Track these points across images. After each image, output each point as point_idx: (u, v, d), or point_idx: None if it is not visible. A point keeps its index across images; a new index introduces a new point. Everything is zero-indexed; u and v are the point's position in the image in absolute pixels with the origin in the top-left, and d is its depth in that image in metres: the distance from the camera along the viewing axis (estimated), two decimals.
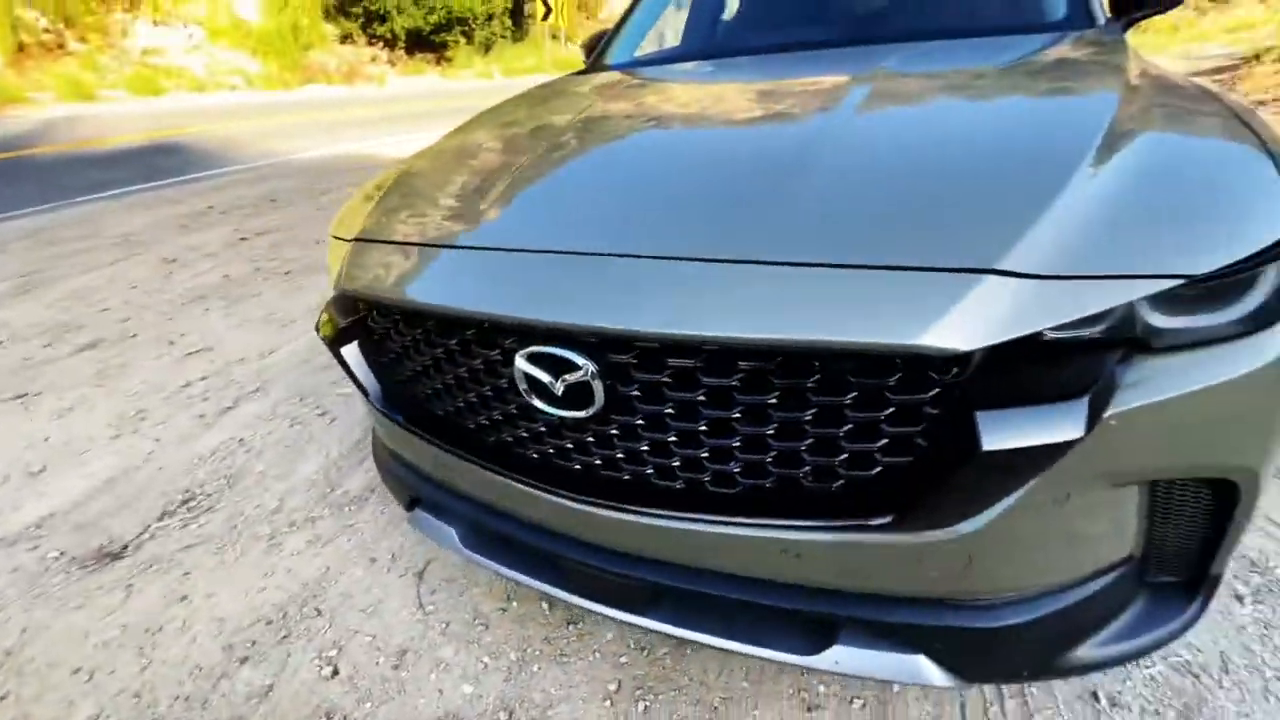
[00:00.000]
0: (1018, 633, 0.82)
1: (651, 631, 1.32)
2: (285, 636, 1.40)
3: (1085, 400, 0.67)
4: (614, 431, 0.84)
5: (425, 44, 16.91)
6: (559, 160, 1.14)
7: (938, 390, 0.71)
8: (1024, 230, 0.71)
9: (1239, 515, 0.81)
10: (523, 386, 0.86)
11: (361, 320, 1.13)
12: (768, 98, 1.35)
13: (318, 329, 1.20)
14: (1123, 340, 0.71)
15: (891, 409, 0.73)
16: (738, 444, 0.80)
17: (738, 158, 1.04)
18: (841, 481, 0.79)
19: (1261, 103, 7.21)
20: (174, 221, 5.15)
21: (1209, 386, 0.71)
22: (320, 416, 2.31)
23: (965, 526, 0.73)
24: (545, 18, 17.84)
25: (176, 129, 9.60)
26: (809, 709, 1.16)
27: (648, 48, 2.50)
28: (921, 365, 0.71)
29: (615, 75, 1.88)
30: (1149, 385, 0.71)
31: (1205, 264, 0.69)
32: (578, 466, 0.92)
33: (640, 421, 0.82)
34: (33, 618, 1.51)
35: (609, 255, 0.82)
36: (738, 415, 0.78)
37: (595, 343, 0.79)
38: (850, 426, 0.75)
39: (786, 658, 0.91)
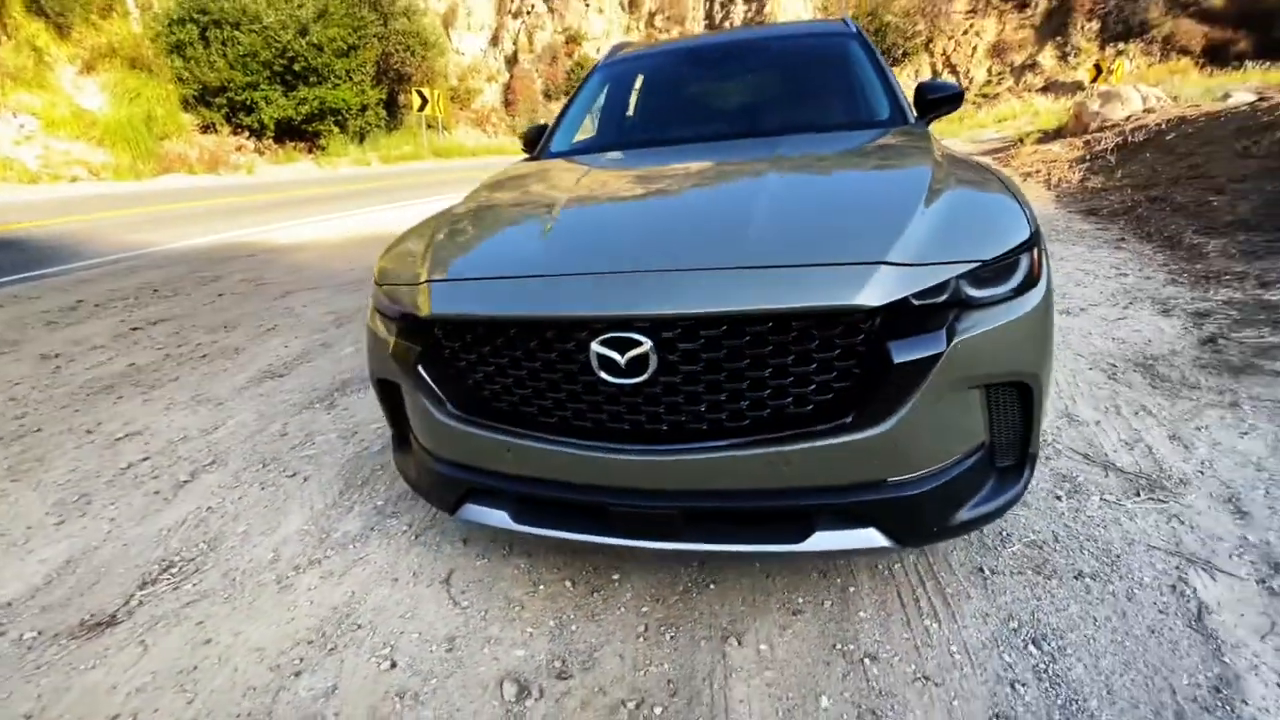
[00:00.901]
0: (926, 499, 1.28)
1: (671, 564, 1.65)
2: (333, 649, 1.55)
3: (943, 333, 1.17)
4: (659, 390, 1.23)
5: (296, 133, 16.80)
6: (580, 214, 1.56)
7: (863, 335, 1.19)
8: (894, 241, 1.23)
9: (1036, 407, 1.35)
10: (594, 365, 1.22)
11: (433, 344, 1.42)
12: (712, 171, 1.89)
13: (393, 357, 1.47)
14: (956, 302, 1.23)
15: (838, 350, 1.19)
16: (745, 386, 1.22)
17: (714, 207, 1.54)
18: (812, 406, 1.23)
19: (1029, 174, 9.28)
20: (38, 318, 4.80)
21: (1001, 324, 1.25)
22: (291, 478, 2.40)
23: (890, 421, 1.19)
24: (421, 108, 18.53)
25: (12, 223, 8.76)
26: (794, 613, 1.53)
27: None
28: (852, 318, 1.18)
29: (572, 160, 2.35)
30: (973, 326, 1.23)
31: (989, 254, 1.25)
32: (626, 426, 1.28)
33: (679, 379, 1.22)
34: (42, 685, 1.52)
35: (653, 271, 1.24)
36: (745, 365, 1.20)
37: (650, 325, 1.19)
38: (815, 365, 1.20)
39: (785, 548, 1.30)
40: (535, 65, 32.21)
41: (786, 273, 1.19)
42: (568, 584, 1.69)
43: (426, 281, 1.42)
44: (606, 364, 1.22)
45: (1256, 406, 2.28)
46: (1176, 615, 1.45)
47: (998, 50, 32.21)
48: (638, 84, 2.92)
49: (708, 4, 34.10)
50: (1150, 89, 11.10)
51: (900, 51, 32.14)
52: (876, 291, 1.16)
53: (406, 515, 2.07)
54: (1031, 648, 1.40)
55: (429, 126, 19.76)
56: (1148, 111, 9.73)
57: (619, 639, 1.51)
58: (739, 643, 1.47)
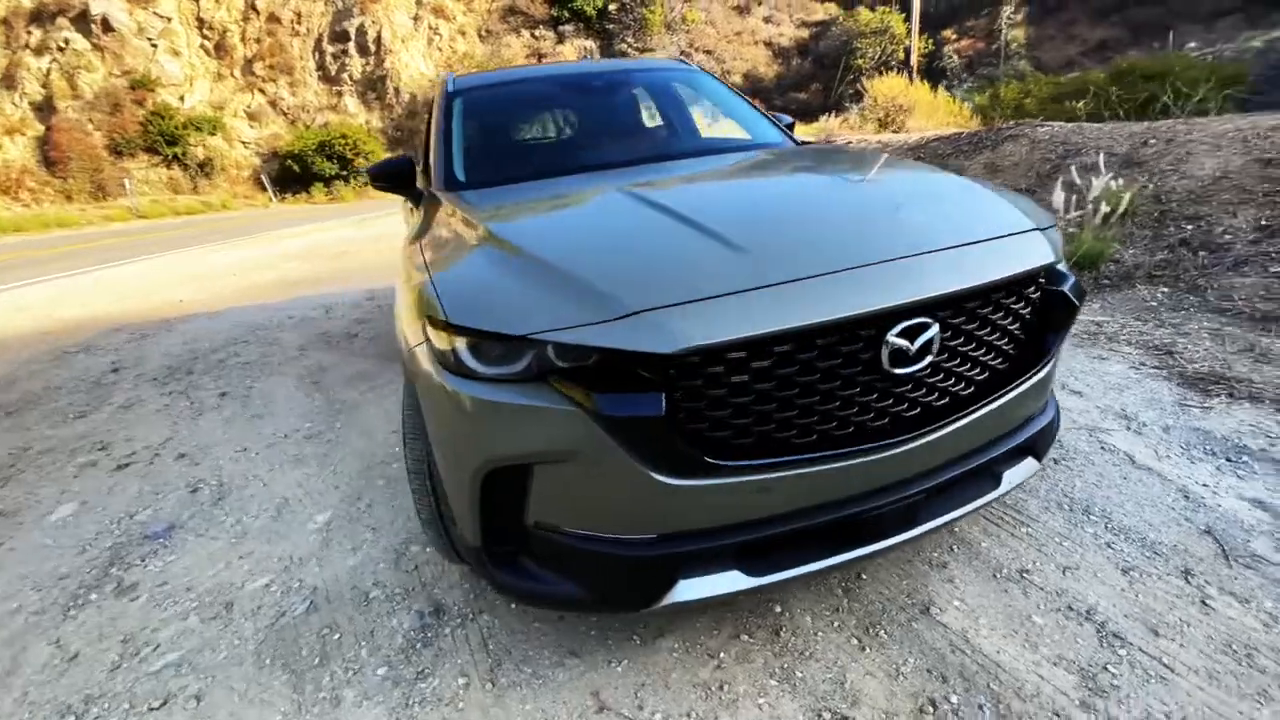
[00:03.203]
0: (1052, 422, 1.57)
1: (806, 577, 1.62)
2: None
3: (1073, 279, 1.48)
4: (929, 371, 1.24)
5: None
6: (737, 222, 1.37)
7: (1043, 289, 1.42)
8: (1022, 214, 1.49)
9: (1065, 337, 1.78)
10: (884, 359, 1.16)
11: (670, 387, 1.12)
12: (738, 179, 1.98)
13: (591, 416, 1.07)
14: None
15: (1039, 303, 1.41)
16: (986, 351, 1.33)
17: (823, 203, 1.61)
18: (1020, 356, 1.41)
19: None
20: None
21: (1063, 271, 1.61)
22: (161, 708, 1.50)
23: (1052, 355, 1.44)
24: None
25: None
26: (941, 566, 1.67)
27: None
28: (1038, 274, 1.39)
29: (530, 185, 2.04)
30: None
31: (1046, 222, 1.58)
32: (886, 421, 1.24)
33: (946, 354, 1.26)
34: None
35: (909, 256, 1.24)
36: (988, 330, 1.31)
37: (932, 307, 1.20)
38: (1024, 315, 1.38)
39: (989, 497, 1.44)
40: (88, 115, 25.35)
41: (990, 245, 1.34)
42: (745, 638, 1.49)
43: (641, 311, 1.09)
44: (894, 358, 1.18)
45: None
46: (1125, 464, 2.06)
47: None
48: (524, 111, 2.68)
49: (318, 55, 31.97)
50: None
51: None
52: (1053, 249, 1.42)
53: (446, 664, 1.51)
54: (1092, 515, 1.82)
55: None
56: None
57: (848, 659, 1.41)
58: (940, 609, 1.53)
